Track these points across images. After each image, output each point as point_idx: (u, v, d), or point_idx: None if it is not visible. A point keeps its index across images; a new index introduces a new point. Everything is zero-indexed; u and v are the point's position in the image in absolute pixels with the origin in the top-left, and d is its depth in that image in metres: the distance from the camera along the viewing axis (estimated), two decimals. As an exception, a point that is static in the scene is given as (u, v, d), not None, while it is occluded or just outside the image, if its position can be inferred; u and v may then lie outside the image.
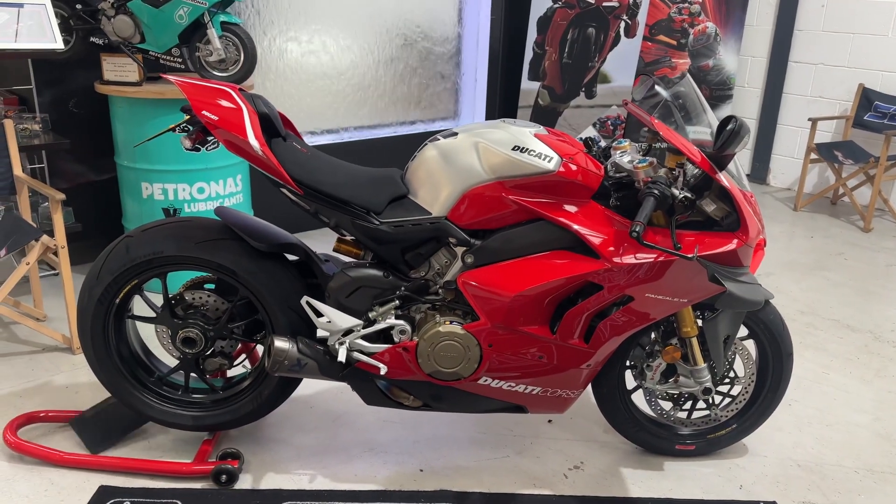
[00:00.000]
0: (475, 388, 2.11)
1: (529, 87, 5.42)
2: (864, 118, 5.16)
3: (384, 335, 2.10)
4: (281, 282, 2.07)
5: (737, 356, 2.24)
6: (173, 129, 1.99)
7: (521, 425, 2.49)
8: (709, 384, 2.17)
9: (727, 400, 2.33)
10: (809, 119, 5.14)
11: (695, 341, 2.14)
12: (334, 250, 2.17)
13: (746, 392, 2.28)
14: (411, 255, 2.04)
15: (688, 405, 2.32)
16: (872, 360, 3.08)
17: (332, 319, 2.03)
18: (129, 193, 3.39)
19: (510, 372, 2.07)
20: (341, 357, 2.01)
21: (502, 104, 5.43)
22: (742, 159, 6.14)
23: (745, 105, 6.00)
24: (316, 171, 2.00)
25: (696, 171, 2.01)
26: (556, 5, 5.28)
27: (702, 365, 2.15)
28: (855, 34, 5.28)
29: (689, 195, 1.89)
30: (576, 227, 1.93)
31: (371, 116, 4.80)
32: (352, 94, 4.65)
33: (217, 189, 3.38)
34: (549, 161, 1.91)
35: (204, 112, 1.89)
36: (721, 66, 5.84)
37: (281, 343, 2.04)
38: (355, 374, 2.11)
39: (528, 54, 5.29)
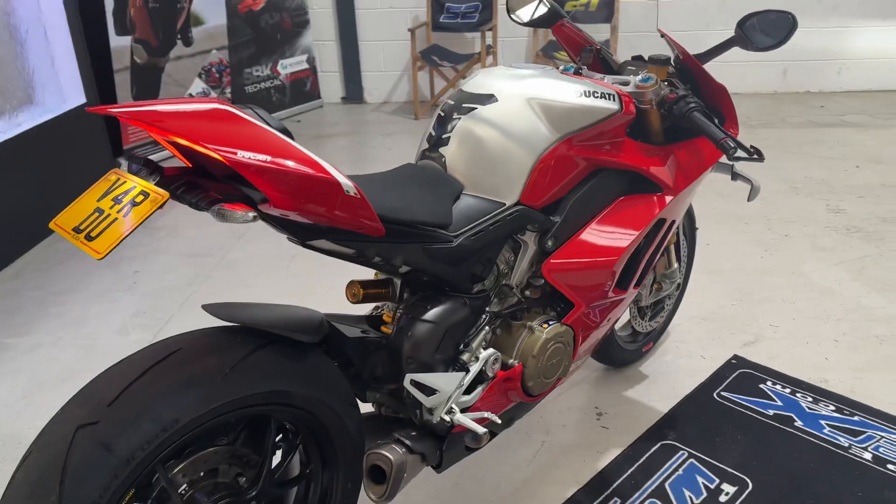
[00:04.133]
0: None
1: (121, 44, 4.32)
2: (441, 21, 5.62)
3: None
4: (331, 375, 1.37)
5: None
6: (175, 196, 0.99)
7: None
8: (679, 279, 2.27)
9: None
10: (409, 29, 5.39)
11: (672, 246, 2.18)
12: (355, 302, 1.50)
13: (684, 268, 2.43)
14: (478, 264, 1.55)
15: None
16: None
17: (440, 388, 1.44)
18: None
19: (583, 348, 1.81)
20: (473, 426, 1.45)
21: (96, 70, 4.23)
22: (333, 83, 6.11)
23: (323, 28, 5.90)
24: (378, 195, 1.32)
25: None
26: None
27: (675, 265, 2.22)
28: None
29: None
30: (641, 166, 1.71)
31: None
32: None
33: None
34: (613, 100, 1.62)
35: (242, 155, 1.02)
36: (294, -10, 5.58)
37: (391, 454, 1.37)
38: (450, 443, 1.57)
39: (109, 3, 4.17)
